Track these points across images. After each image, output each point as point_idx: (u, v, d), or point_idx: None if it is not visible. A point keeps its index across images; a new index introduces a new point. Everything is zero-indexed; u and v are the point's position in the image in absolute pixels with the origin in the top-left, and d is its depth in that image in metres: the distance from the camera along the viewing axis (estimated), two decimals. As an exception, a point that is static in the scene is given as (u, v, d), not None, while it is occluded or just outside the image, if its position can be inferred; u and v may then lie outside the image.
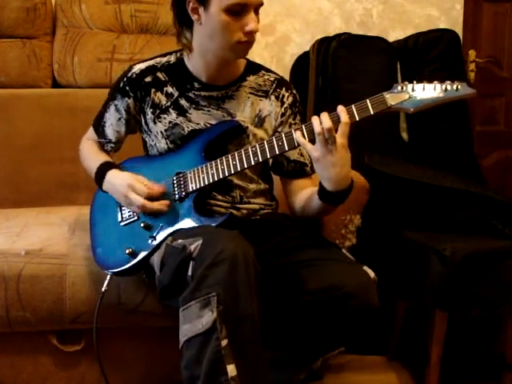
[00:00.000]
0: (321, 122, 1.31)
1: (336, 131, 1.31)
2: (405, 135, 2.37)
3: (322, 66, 2.36)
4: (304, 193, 1.55)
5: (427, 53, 2.36)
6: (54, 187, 2.20)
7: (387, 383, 1.97)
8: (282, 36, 2.65)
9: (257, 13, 1.42)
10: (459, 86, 1.29)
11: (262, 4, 1.42)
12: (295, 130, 1.37)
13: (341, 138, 1.31)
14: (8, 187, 2.17)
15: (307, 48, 2.51)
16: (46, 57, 2.30)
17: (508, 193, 2.71)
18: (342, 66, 2.32)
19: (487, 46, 2.71)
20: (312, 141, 1.33)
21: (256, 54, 2.51)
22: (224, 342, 1.20)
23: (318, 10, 2.66)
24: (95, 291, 1.58)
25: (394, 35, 2.66)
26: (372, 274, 1.41)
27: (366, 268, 1.42)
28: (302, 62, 2.53)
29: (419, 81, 1.32)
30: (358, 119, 1.32)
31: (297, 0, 2.64)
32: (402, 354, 2.08)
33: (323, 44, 2.39)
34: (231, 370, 1.20)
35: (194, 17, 1.44)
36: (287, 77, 2.53)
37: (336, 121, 1.31)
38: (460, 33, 2.57)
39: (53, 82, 2.33)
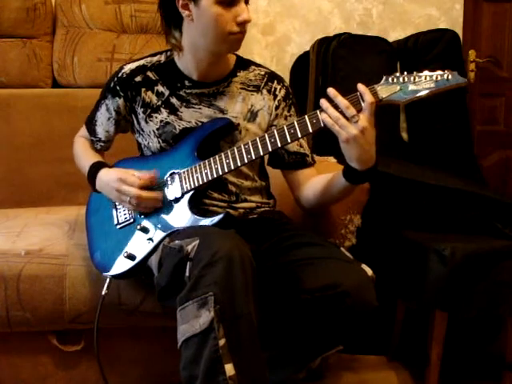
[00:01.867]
0: (331, 103, 1.31)
1: (360, 111, 1.30)
2: (405, 135, 2.37)
3: (322, 65, 2.36)
4: (315, 181, 1.55)
5: (427, 53, 2.36)
6: (54, 187, 2.20)
7: (387, 383, 1.97)
8: (282, 36, 2.65)
9: (247, 2, 1.44)
10: (450, 76, 1.28)
11: None
12: (320, 112, 1.35)
13: (367, 117, 1.30)
14: (8, 187, 2.17)
15: (307, 48, 2.51)
16: (46, 57, 2.31)
17: (508, 193, 2.71)
18: (341, 66, 2.32)
19: (487, 46, 2.71)
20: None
21: (256, 54, 2.51)
22: (222, 342, 1.21)
23: (318, 10, 2.66)
24: (95, 291, 1.58)
25: (394, 35, 2.66)
26: (370, 271, 1.41)
27: (364, 266, 1.42)
28: (301, 61, 2.53)
29: (409, 72, 1.31)
30: None
31: (297, 0, 2.64)
32: (402, 354, 2.08)
33: (323, 44, 2.39)
34: (229, 369, 1.20)
35: (185, 13, 1.45)
36: (287, 77, 2.53)
37: (355, 102, 1.31)
38: (460, 33, 2.58)
39: (53, 82, 2.33)
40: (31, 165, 2.19)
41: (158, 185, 1.51)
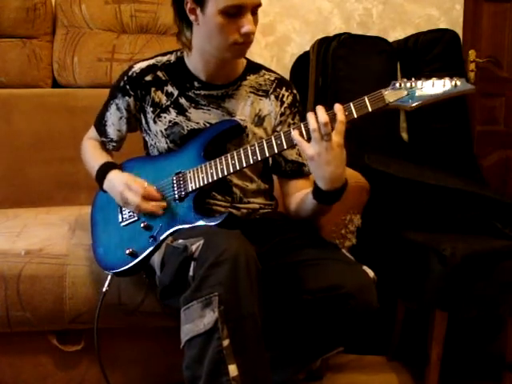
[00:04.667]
0: (317, 116, 1.31)
1: (332, 129, 1.30)
2: (405, 135, 2.37)
3: (322, 65, 2.36)
4: (300, 194, 1.55)
5: (427, 53, 2.37)
6: (54, 187, 2.20)
7: (387, 383, 1.97)
8: (282, 36, 2.65)
9: (254, 13, 1.41)
10: (458, 82, 1.27)
11: (259, 5, 1.41)
12: (294, 128, 1.36)
13: (336, 136, 1.30)
14: (8, 187, 2.17)
15: (307, 48, 2.51)
16: (45, 57, 2.30)
17: (508, 193, 2.71)
18: (341, 66, 2.32)
19: (487, 46, 2.71)
20: (309, 139, 1.33)
21: (256, 54, 2.51)
22: (225, 342, 1.21)
23: (318, 10, 2.66)
24: (95, 291, 1.58)
25: (393, 35, 2.66)
26: (371, 273, 1.41)
27: (365, 268, 1.42)
28: (302, 61, 2.53)
29: (417, 77, 1.31)
30: (356, 117, 1.31)
31: (297, 0, 2.64)
32: (402, 354, 2.08)
33: (323, 44, 2.39)
34: (233, 370, 1.20)
35: (192, 17, 1.44)
36: (287, 77, 2.53)
37: (332, 119, 1.30)
38: (460, 33, 2.58)
39: (53, 82, 2.33)
40: (31, 165, 2.19)
41: (162, 188, 1.51)
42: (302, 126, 1.35)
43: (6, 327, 1.61)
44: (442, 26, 2.66)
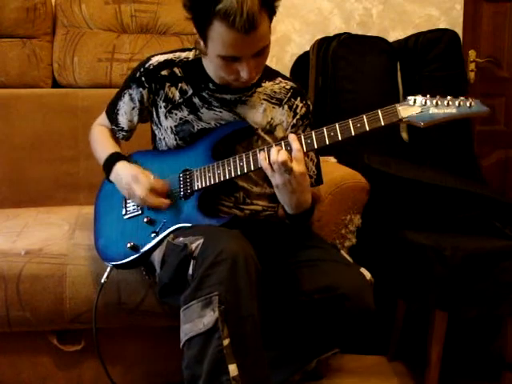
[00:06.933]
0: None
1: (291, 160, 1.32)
2: (405, 135, 2.37)
3: (322, 65, 2.36)
4: None
5: (427, 53, 2.36)
6: (54, 187, 2.20)
7: (387, 383, 1.97)
8: (282, 36, 2.65)
9: (260, 54, 1.37)
10: (473, 103, 1.27)
11: (264, 47, 1.37)
12: (259, 151, 1.38)
13: (297, 165, 1.32)
14: (8, 187, 2.17)
15: (307, 48, 2.51)
16: (46, 57, 2.30)
17: (508, 193, 2.71)
18: (341, 66, 2.32)
19: (487, 46, 2.71)
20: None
21: (256, 54, 2.51)
22: (226, 342, 1.21)
23: (318, 10, 2.66)
24: (95, 291, 1.57)
25: (394, 35, 2.66)
26: (368, 275, 1.42)
27: (362, 270, 1.42)
28: (302, 61, 2.53)
29: (432, 95, 1.30)
30: (368, 130, 1.31)
31: (297, 0, 2.64)
32: (402, 354, 2.08)
33: (323, 44, 2.39)
34: (233, 369, 1.21)
35: (201, 43, 1.42)
36: (287, 77, 2.53)
37: (291, 151, 1.33)
38: (460, 33, 2.58)
39: (53, 82, 2.33)
40: (31, 165, 2.19)
41: (170, 188, 1.51)
42: (267, 150, 1.36)
43: (6, 327, 1.61)
44: (442, 26, 2.66)
